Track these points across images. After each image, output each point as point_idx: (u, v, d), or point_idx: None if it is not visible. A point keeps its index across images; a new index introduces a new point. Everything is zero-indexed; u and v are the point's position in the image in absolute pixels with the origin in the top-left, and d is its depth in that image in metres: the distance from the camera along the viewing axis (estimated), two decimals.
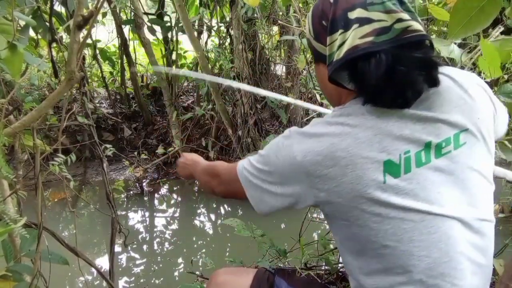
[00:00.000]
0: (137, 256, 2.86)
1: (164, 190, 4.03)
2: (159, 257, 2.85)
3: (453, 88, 0.77)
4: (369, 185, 0.70)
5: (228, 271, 1.12)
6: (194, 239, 3.09)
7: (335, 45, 0.73)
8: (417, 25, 0.69)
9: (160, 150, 4.12)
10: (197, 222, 3.38)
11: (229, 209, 3.65)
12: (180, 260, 2.83)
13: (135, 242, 3.04)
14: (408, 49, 0.69)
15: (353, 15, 0.71)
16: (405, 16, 0.69)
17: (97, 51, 4.44)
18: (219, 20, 4.14)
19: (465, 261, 0.74)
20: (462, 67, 1.35)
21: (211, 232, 3.21)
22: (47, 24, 2.56)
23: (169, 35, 4.22)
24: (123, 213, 3.50)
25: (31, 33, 2.76)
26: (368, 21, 0.70)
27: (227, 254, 2.93)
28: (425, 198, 0.71)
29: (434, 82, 0.73)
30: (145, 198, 3.84)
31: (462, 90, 0.77)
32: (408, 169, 0.71)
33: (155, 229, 3.25)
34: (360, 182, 0.71)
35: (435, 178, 0.72)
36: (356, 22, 0.70)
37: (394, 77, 0.68)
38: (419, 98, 0.73)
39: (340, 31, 0.72)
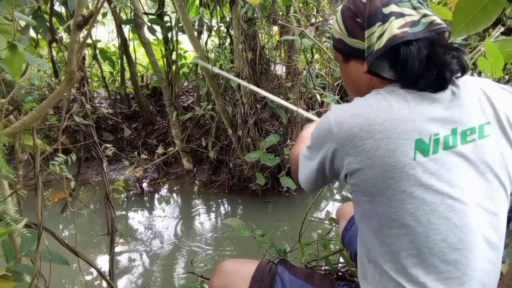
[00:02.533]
0: (137, 256, 2.86)
1: (164, 190, 4.03)
2: (159, 257, 2.85)
3: (477, 85, 0.85)
4: (400, 160, 0.74)
5: (232, 261, 1.16)
6: (194, 239, 3.09)
7: (374, 37, 0.82)
8: (439, 20, 0.80)
9: (160, 150, 4.12)
10: (197, 222, 3.38)
11: (229, 209, 3.65)
12: (180, 260, 2.83)
13: (135, 242, 3.03)
14: (438, 37, 0.79)
15: (388, 10, 0.81)
16: (429, 12, 0.81)
17: (97, 51, 4.43)
18: (219, 20, 4.14)
19: (477, 252, 0.77)
20: None
21: (211, 232, 3.21)
22: (47, 24, 2.56)
23: (169, 35, 4.22)
24: (123, 213, 3.50)
25: (31, 33, 2.76)
26: (401, 15, 0.80)
27: (227, 254, 2.93)
28: (447, 180, 0.76)
29: (463, 68, 0.80)
30: (145, 198, 3.84)
31: (485, 88, 0.85)
32: (436, 150, 0.76)
33: (155, 229, 3.24)
34: (392, 156, 0.75)
35: (459, 163, 0.77)
36: (392, 15, 0.80)
37: (434, 58, 0.78)
38: (449, 88, 0.80)
39: (378, 24, 0.81)
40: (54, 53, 3.60)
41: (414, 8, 0.81)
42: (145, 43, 4.08)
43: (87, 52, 4.57)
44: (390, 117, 0.76)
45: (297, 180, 1.03)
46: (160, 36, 4.29)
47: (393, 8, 0.81)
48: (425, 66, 0.77)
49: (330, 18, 3.19)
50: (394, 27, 0.79)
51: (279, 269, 1.09)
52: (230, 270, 1.12)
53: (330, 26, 3.06)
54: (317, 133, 0.86)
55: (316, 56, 4.25)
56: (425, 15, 0.80)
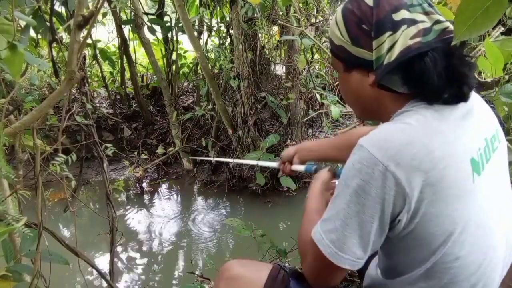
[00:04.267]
0: (137, 256, 2.86)
1: (164, 190, 4.03)
2: (159, 257, 2.85)
3: (477, 96, 0.82)
4: (462, 187, 0.67)
5: (240, 264, 1.02)
6: (194, 239, 3.09)
7: (383, 48, 0.72)
8: (452, 26, 0.71)
9: (160, 150, 4.12)
10: (197, 222, 3.38)
11: (229, 209, 3.65)
12: (180, 260, 2.83)
13: (135, 242, 3.04)
14: (450, 48, 0.71)
15: (398, 16, 0.71)
16: (441, 17, 0.72)
17: (97, 51, 4.43)
18: (219, 20, 4.14)
19: (500, 271, 0.76)
20: None
21: (211, 232, 3.21)
22: (48, 24, 2.56)
23: (169, 35, 4.22)
24: (123, 213, 3.50)
25: (32, 33, 2.76)
26: (413, 22, 0.71)
27: (227, 254, 2.93)
28: (489, 197, 0.72)
29: (474, 80, 0.74)
30: (145, 198, 3.84)
31: (477, 96, 0.83)
32: (483, 166, 0.71)
33: (155, 229, 3.24)
34: (455, 185, 0.66)
35: (495, 173, 0.75)
36: (404, 23, 0.71)
37: (451, 72, 0.70)
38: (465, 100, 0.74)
39: (388, 33, 0.71)
40: (54, 53, 3.60)
41: (426, 13, 0.72)
42: (145, 43, 4.08)
43: (87, 52, 4.57)
44: (444, 139, 0.67)
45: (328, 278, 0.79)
46: (160, 36, 4.29)
47: (404, 14, 0.71)
48: (445, 80, 0.70)
49: (330, 18, 3.19)
50: (407, 38, 0.70)
51: (291, 283, 0.97)
52: (239, 276, 0.97)
53: (328, 27, 3.05)
54: (360, 180, 0.66)
55: (316, 56, 4.25)
56: (437, 22, 0.72)
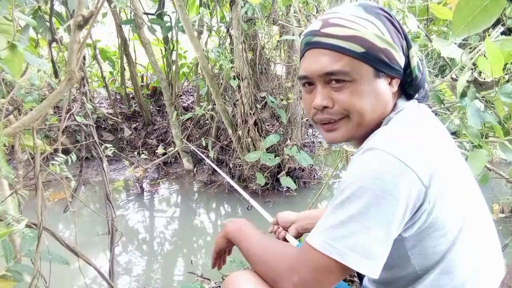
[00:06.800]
0: (137, 256, 2.86)
1: (164, 190, 4.03)
2: (159, 257, 2.85)
3: None
4: (462, 176, 0.80)
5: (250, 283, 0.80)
6: (194, 239, 3.09)
7: (414, 60, 0.79)
8: None
9: (160, 150, 4.12)
10: (197, 222, 3.38)
11: (229, 209, 3.65)
12: (180, 260, 2.83)
13: (135, 242, 3.03)
14: None
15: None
16: None
17: (97, 51, 4.43)
18: (219, 20, 4.14)
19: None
20: (462, 67, 1.35)
21: (211, 232, 3.21)
22: (47, 24, 2.56)
23: (169, 35, 4.22)
24: (123, 213, 3.50)
25: (32, 33, 2.76)
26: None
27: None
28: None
29: None
30: (145, 198, 3.84)
31: None
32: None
33: (155, 229, 3.24)
34: (457, 176, 0.77)
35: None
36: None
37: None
38: None
39: (412, 49, 0.79)
40: (54, 53, 3.60)
41: None
42: (145, 43, 4.08)
43: (87, 52, 4.57)
44: (444, 134, 0.78)
45: None
46: (160, 36, 4.29)
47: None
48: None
49: None
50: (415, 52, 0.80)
51: None
52: None
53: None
54: (380, 181, 0.64)
55: None
56: None
